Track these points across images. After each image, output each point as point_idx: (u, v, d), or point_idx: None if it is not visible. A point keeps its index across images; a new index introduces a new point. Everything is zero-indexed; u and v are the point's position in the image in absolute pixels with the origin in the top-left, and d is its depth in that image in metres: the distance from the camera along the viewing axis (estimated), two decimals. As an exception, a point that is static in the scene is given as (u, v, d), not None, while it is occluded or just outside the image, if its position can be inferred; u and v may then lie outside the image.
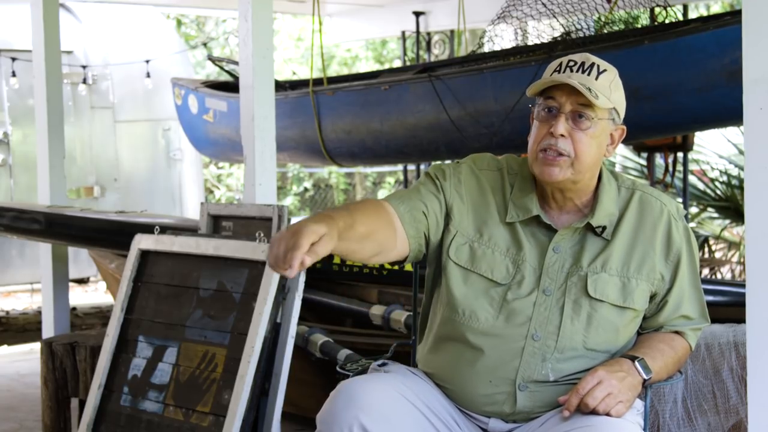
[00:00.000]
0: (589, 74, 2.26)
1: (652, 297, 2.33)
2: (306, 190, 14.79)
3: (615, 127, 2.32)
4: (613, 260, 2.29)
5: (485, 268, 2.30)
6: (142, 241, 3.76)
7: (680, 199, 7.73)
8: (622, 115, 2.34)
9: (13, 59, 7.55)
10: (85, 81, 8.14)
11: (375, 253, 2.26)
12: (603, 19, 5.41)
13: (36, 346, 6.37)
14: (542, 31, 5.54)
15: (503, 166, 2.40)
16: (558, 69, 2.28)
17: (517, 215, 2.33)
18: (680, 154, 7.31)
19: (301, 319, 3.58)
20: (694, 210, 8.40)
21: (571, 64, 2.28)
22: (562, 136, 2.24)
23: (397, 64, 12.17)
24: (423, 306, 2.49)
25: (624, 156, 9.16)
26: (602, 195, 2.33)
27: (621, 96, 2.32)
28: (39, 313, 6.63)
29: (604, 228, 2.31)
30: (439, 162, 2.50)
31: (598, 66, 2.28)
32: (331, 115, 6.12)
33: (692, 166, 8.45)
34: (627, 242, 2.31)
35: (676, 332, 2.37)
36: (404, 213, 2.31)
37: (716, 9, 12.09)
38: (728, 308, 3.28)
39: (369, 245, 2.22)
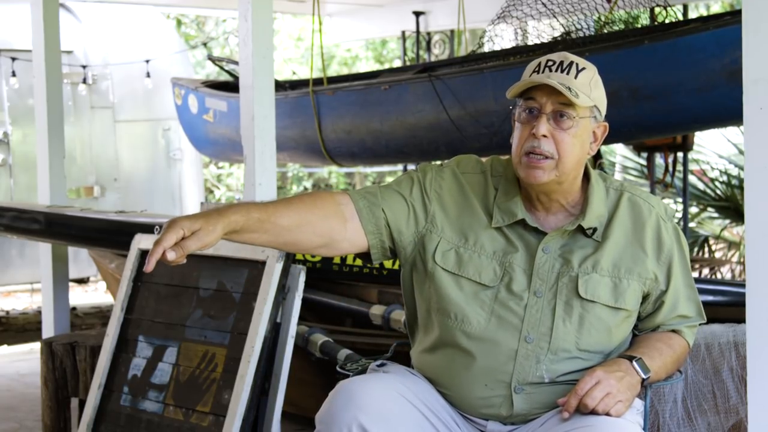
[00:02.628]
0: (568, 73, 2.24)
1: (646, 297, 2.33)
2: (306, 189, 14.79)
3: (597, 125, 2.31)
4: (604, 261, 2.29)
5: (473, 272, 2.30)
6: (142, 241, 3.76)
7: (680, 199, 7.73)
8: (604, 112, 2.32)
9: (13, 59, 7.55)
10: (85, 81, 8.14)
11: (320, 245, 2.30)
12: (603, 19, 5.41)
13: (36, 346, 6.37)
14: (542, 31, 5.54)
15: (487, 169, 2.39)
16: (537, 69, 2.27)
17: (502, 219, 2.32)
18: (680, 154, 7.31)
19: (301, 319, 3.58)
20: (694, 210, 8.40)
21: (550, 63, 2.27)
22: (545, 136, 2.23)
23: (397, 64, 12.17)
24: (407, 309, 2.48)
25: (624, 156, 9.17)
26: (592, 196, 2.32)
27: (601, 93, 2.31)
28: (39, 313, 6.63)
29: (594, 229, 2.31)
30: (424, 163, 2.50)
31: (577, 64, 2.26)
32: (331, 115, 6.12)
33: (692, 166, 8.46)
34: (617, 243, 2.31)
35: (673, 331, 2.37)
36: (363, 208, 2.32)
37: (716, 9, 12.09)
38: (728, 308, 3.28)
39: (304, 236, 2.26)
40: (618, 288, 2.28)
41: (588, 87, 2.26)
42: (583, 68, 2.27)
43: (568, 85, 2.22)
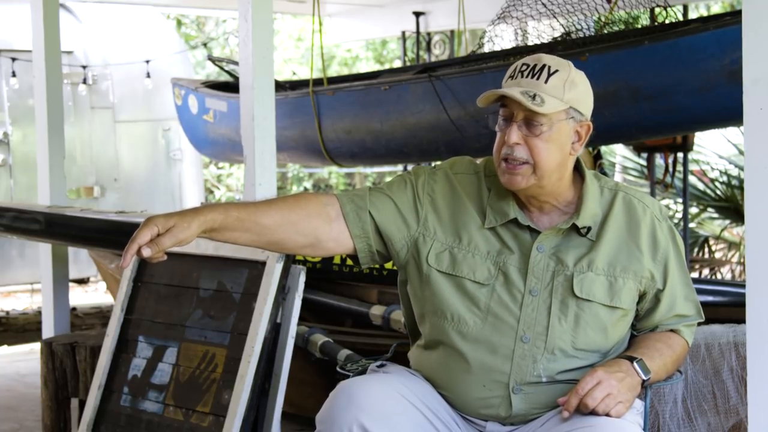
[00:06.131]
0: (538, 78, 2.24)
1: (642, 296, 2.33)
2: (306, 190, 14.80)
3: (579, 124, 2.29)
4: (599, 260, 2.29)
5: (467, 271, 2.30)
6: (142, 241, 3.76)
7: (680, 200, 7.73)
8: (587, 110, 2.30)
9: (13, 59, 7.56)
10: (85, 81, 8.14)
11: (305, 244, 2.33)
12: (603, 19, 5.41)
13: (36, 346, 6.37)
14: (542, 31, 5.54)
15: (480, 170, 2.40)
16: (512, 75, 2.28)
17: (495, 219, 2.32)
18: (680, 154, 7.31)
19: (301, 319, 3.58)
20: (694, 210, 8.40)
21: (524, 68, 2.27)
22: (517, 144, 2.23)
23: (397, 64, 12.18)
24: (405, 313, 2.49)
25: (624, 156, 9.17)
26: (586, 195, 2.32)
27: (581, 92, 2.28)
28: (39, 313, 6.63)
29: (588, 229, 2.31)
30: (417, 166, 2.52)
31: (549, 67, 2.25)
32: (331, 115, 6.12)
33: (692, 166, 8.46)
34: (612, 243, 2.31)
35: (672, 330, 2.37)
36: (349, 212, 2.34)
37: (716, 9, 12.09)
38: (728, 308, 3.28)
39: (288, 236, 2.29)
40: (613, 287, 2.28)
41: (561, 89, 2.24)
42: (556, 71, 2.25)
43: (534, 92, 2.21)
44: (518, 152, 2.23)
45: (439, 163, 2.47)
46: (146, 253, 2.10)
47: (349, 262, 4.06)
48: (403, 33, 9.04)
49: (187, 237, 2.15)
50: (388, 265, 4.01)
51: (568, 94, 2.25)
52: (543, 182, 2.26)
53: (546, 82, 2.23)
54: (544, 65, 2.25)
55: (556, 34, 5.38)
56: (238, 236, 2.25)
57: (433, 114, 5.49)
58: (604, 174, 4.83)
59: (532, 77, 2.24)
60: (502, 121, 2.28)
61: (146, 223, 2.12)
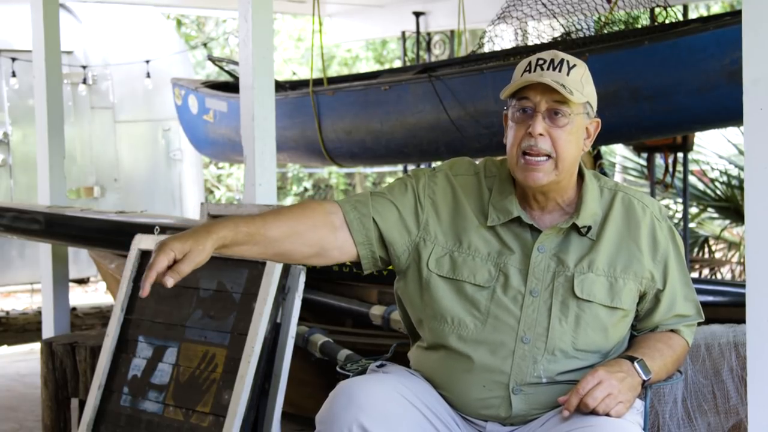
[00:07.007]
0: (560, 71, 2.24)
1: (642, 297, 2.33)
2: (306, 190, 14.80)
3: (590, 121, 2.31)
4: (600, 260, 2.29)
5: (467, 274, 2.29)
6: (142, 241, 3.76)
7: (680, 200, 7.73)
8: (595, 108, 2.33)
9: (13, 59, 7.56)
10: (85, 81, 8.14)
11: (311, 254, 2.32)
12: (603, 19, 5.41)
13: (36, 346, 6.37)
14: (542, 31, 5.54)
15: (480, 170, 2.39)
16: (528, 68, 2.27)
17: (497, 218, 2.32)
18: (680, 155, 7.31)
19: (301, 319, 3.58)
20: (694, 210, 8.40)
21: (541, 62, 2.27)
22: (541, 135, 2.23)
23: (398, 64, 12.18)
24: (403, 317, 2.49)
25: (624, 156, 9.17)
26: (586, 195, 2.32)
27: (592, 89, 2.31)
28: (39, 313, 6.63)
29: (589, 228, 2.31)
30: (416, 168, 2.51)
31: (568, 62, 2.26)
32: (331, 116, 6.12)
33: (692, 167, 8.46)
34: (613, 243, 2.31)
35: (672, 330, 2.37)
36: (353, 219, 2.33)
37: (716, 9, 12.09)
38: (728, 308, 3.28)
39: (294, 247, 2.28)
40: (614, 287, 2.28)
41: (580, 84, 2.26)
42: (574, 65, 2.27)
43: (561, 83, 2.22)
44: (542, 144, 2.23)
45: (438, 164, 2.46)
46: (170, 283, 2.06)
47: (349, 262, 4.06)
48: (403, 33, 9.04)
49: (204, 259, 2.12)
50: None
51: (586, 88, 2.27)
52: (561, 176, 2.26)
53: (568, 74, 2.24)
54: (562, 59, 2.26)
55: (556, 34, 5.38)
56: (247, 250, 2.24)
57: (433, 114, 5.49)
58: (604, 174, 4.82)
59: (553, 69, 2.24)
60: (521, 114, 2.27)
61: (161, 249, 2.07)
